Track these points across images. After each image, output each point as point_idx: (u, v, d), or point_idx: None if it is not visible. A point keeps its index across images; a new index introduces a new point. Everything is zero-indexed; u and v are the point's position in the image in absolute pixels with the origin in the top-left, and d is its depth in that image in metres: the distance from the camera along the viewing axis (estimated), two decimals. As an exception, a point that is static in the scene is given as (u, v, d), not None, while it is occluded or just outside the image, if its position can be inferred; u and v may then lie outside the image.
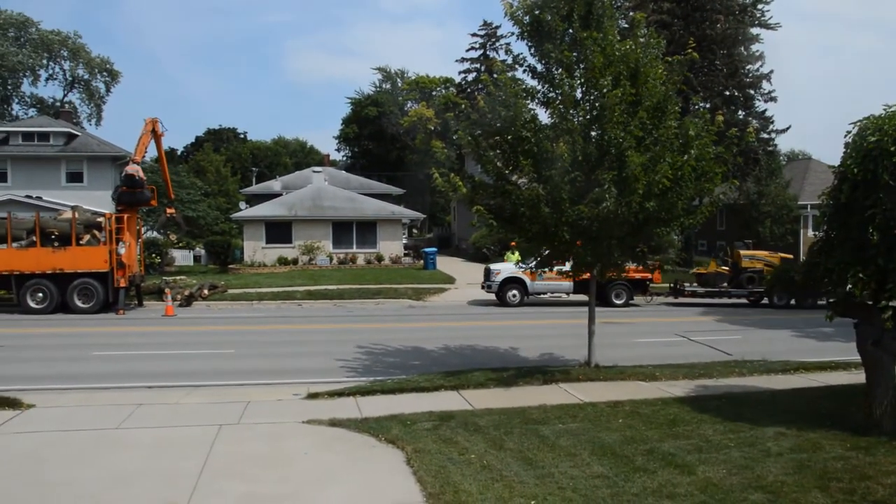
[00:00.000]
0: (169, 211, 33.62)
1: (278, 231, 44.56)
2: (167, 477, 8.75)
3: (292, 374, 15.48)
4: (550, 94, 14.07)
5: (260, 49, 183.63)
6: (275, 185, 58.69)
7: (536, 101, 14.21)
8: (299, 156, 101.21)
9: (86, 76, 70.87)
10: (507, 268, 30.06)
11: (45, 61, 68.57)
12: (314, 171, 54.42)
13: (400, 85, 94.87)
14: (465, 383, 13.59)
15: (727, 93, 42.23)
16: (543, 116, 14.29)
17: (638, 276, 29.34)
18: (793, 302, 29.09)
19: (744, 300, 30.62)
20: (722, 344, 19.08)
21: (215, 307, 28.96)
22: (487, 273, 30.33)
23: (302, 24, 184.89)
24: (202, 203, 46.36)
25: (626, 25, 14.86)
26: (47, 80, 71.36)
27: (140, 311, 27.53)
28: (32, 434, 10.62)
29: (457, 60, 79.95)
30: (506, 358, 17.45)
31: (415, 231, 75.06)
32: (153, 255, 40.20)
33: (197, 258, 49.52)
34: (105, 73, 71.07)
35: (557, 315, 26.29)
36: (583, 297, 29.48)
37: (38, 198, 38.27)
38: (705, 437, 10.11)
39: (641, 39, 14.16)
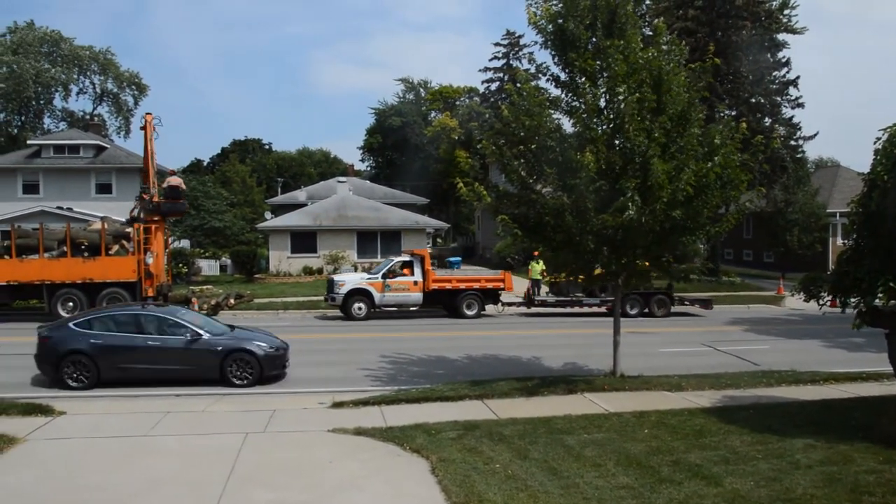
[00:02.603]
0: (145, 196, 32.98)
1: (303, 241, 44.74)
2: (195, 484, 8.84)
3: (317, 382, 15.54)
4: (574, 103, 14.07)
5: (284, 61, 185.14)
6: (300, 195, 59.00)
7: (560, 109, 14.22)
8: (324, 166, 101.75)
9: (115, 90, 71.84)
10: (351, 279, 28.49)
11: (76, 76, 69.64)
12: (339, 182, 54.65)
13: (423, 95, 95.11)
14: (490, 393, 13.57)
15: (753, 100, 41.80)
16: (567, 125, 14.31)
17: (490, 285, 29.11)
18: (646, 310, 28.28)
19: (600, 309, 28.97)
20: (749, 354, 18.89)
21: (241, 316, 29.07)
22: (331, 285, 28.28)
23: (325, 35, 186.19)
24: (228, 213, 46.73)
25: (650, 33, 14.77)
26: (78, 94, 72.49)
27: (167, 321, 27.73)
28: (64, 440, 10.79)
29: (480, 70, 79.99)
30: (529, 367, 17.40)
31: (439, 240, 75.08)
32: (180, 264, 40.56)
33: (223, 268, 49.90)
34: (133, 87, 71.99)
35: (578, 325, 26.13)
36: (435, 309, 29.20)
37: (69, 209, 38.73)
38: (732, 448, 10.02)
39: (664, 47, 14.13)
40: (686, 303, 29.38)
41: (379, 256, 42.14)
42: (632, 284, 16.04)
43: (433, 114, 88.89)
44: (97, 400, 13.93)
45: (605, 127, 13.74)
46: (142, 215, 29.57)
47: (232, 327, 17.01)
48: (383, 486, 8.86)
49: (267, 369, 15.43)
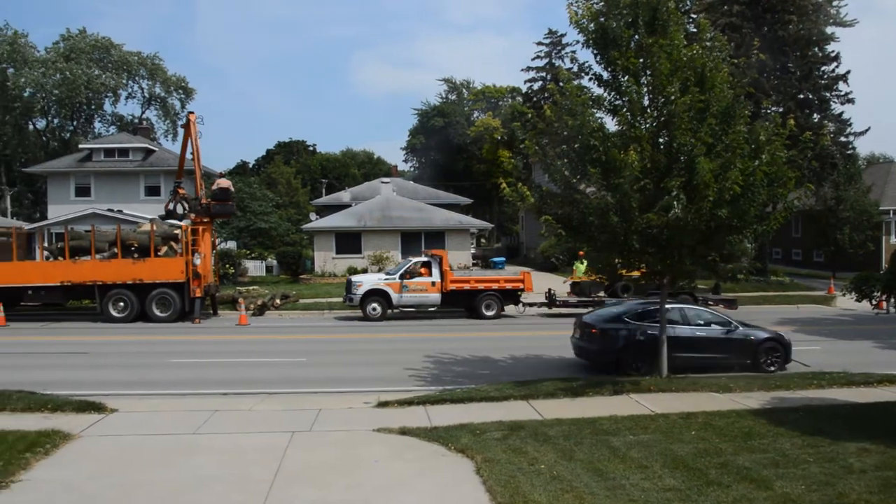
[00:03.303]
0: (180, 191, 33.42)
1: (348, 241, 45.09)
2: (242, 481, 8.97)
3: (362, 382, 15.65)
4: (617, 102, 13.98)
5: (327, 63, 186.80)
6: (344, 196, 59.43)
7: (603, 108, 14.13)
8: (367, 167, 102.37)
9: (162, 94, 73.22)
10: (369, 280, 28.67)
11: (125, 81, 71.13)
12: (382, 182, 54.93)
13: (466, 95, 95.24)
14: (535, 393, 13.54)
15: (801, 95, 41.03)
16: (611, 124, 14.22)
17: (509, 286, 28.80)
18: None
19: None
20: (799, 355, 18.52)
21: (287, 316, 29.47)
22: (349, 285, 28.40)
23: (367, 37, 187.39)
24: (273, 214, 47.25)
25: (694, 29, 14.62)
26: (127, 98, 73.99)
27: (215, 321, 28.23)
28: (116, 437, 11.04)
29: (522, 69, 79.67)
30: (574, 367, 17.31)
31: (483, 241, 75.03)
32: (227, 265, 41.11)
33: (269, 269, 50.44)
34: (180, 91, 73.29)
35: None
36: (454, 310, 29.16)
37: (119, 211, 39.56)
38: (782, 451, 9.86)
39: (707, 43, 13.94)
40: (710, 303, 28.88)
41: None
42: (677, 285, 15.86)
43: (476, 114, 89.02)
44: (147, 398, 14.22)
45: (648, 125, 13.63)
46: (178, 209, 30.09)
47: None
48: (428, 486, 8.90)
49: (789, 355, 17.19)
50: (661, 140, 13.59)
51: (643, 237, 13.47)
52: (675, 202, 12.63)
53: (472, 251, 51.54)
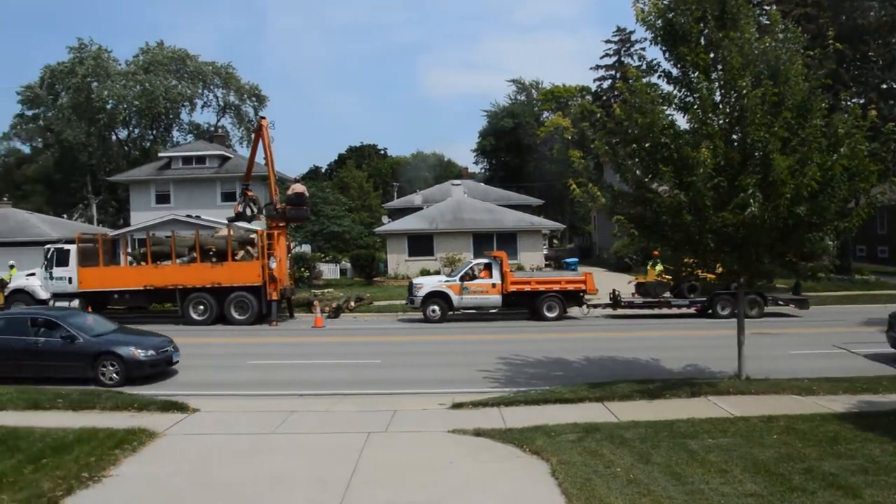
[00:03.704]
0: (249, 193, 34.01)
1: (420, 244, 45.36)
2: (319, 481, 9.15)
3: (437, 384, 15.75)
4: (688, 99, 13.74)
5: (397, 67, 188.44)
6: (415, 198, 59.82)
7: (674, 106, 13.89)
8: (438, 169, 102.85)
9: (236, 102, 75.09)
10: (430, 282, 28.78)
11: (200, 90, 73.21)
12: (453, 184, 55.11)
13: (535, 95, 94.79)
14: (610, 395, 13.41)
15: (884, 85, 39.54)
16: (682, 122, 13.98)
17: (570, 287, 28.11)
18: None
19: (689, 310, 28.00)
20: (889, 357, 17.89)
21: (361, 318, 29.82)
22: (411, 288, 28.60)
23: (435, 40, 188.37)
24: (346, 218, 47.87)
25: (767, 21, 14.22)
26: (203, 107, 76.19)
27: (291, 323, 28.75)
28: (198, 436, 11.43)
29: (591, 68, 79.03)
30: (649, 369, 17.08)
31: (555, 241, 74.59)
32: (302, 268, 41.83)
33: (343, 271, 51.12)
34: (254, 98, 74.98)
35: (694, 326, 25.41)
36: (515, 311, 28.72)
37: (197, 217, 40.59)
38: (871, 457, 9.52)
39: (780, 35, 13.57)
40: (780, 302, 27.99)
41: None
42: (755, 285, 15.47)
43: (545, 114, 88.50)
44: (227, 398, 14.60)
45: (721, 122, 13.36)
46: (246, 211, 30.76)
47: None
48: (503, 487, 8.92)
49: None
50: (734, 136, 13.31)
51: (718, 236, 13.21)
52: (750, 200, 12.35)
53: (545, 252, 51.27)
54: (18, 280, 29.91)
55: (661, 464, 9.35)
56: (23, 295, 29.01)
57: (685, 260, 14.99)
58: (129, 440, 10.79)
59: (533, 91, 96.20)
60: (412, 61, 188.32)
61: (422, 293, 27.72)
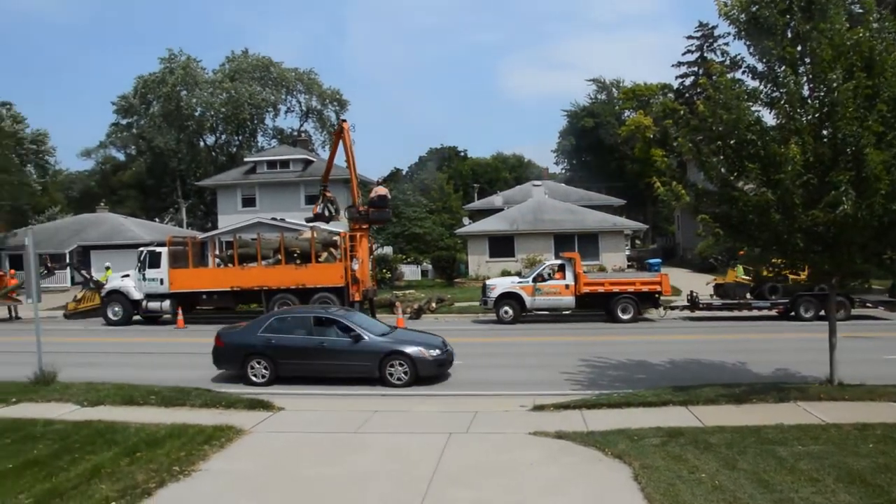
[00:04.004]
0: (327, 194, 34.24)
1: (501, 245, 45.34)
2: (400, 480, 9.26)
3: (518, 385, 15.72)
4: (774, 94, 13.32)
5: (476, 68, 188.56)
6: (496, 199, 59.82)
7: (759, 101, 13.48)
8: (518, 170, 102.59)
9: (318, 107, 76.62)
10: (503, 283, 28.73)
11: (283, 96, 74.96)
12: (534, 185, 54.90)
13: (616, 94, 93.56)
14: (694, 399, 13.12)
15: None
16: (768, 118, 13.58)
17: (645, 288, 27.39)
18: (821, 312, 24.84)
19: (770, 312, 26.90)
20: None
21: (442, 319, 29.96)
22: (484, 289, 28.70)
23: (513, 41, 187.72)
24: (427, 220, 48.19)
25: (860, 10, 13.63)
26: (286, 112, 78.00)
27: (373, 324, 29.04)
28: (284, 434, 11.71)
29: (673, 65, 77.40)
30: (735, 373, 16.63)
31: (637, 242, 73.46)
32: (384, 270, 42.33)
33: (424, 273, 51.49)
34: (335, 103, 76.37)
35: (778, 329, 24.60)
36: (588, 313, 28.17)
37: (282, 219, 41.53)
38: (978, 468, 9.04)
39: (874, 25, 13.01)
40: (869, 304, 26.75)
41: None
42: (847, 286, 14.90)
43: (626, 113, 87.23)
44: (311, 398, 14.86)
45: (810, 117, 12.90)
46: (325, 212, 31.29)
47: None
48: (585, 490, 8.84)
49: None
50: (824, 132, 12.84)
51: (808, 235, 12.77)
52: (843, 197, 11.89)
53: (627, 253, 50.55)
54: (114, 281, 31.14)
55: (747, 470, 9.10)
56: (118, 295, 30.20)
57: (773, 260, 14.57)
58: (217, 437, 11.14)
59: (613, 90, 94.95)
60: (492, 62, 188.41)
61: (495, 294, 27.77)
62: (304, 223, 34.74)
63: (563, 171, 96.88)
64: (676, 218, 65.92)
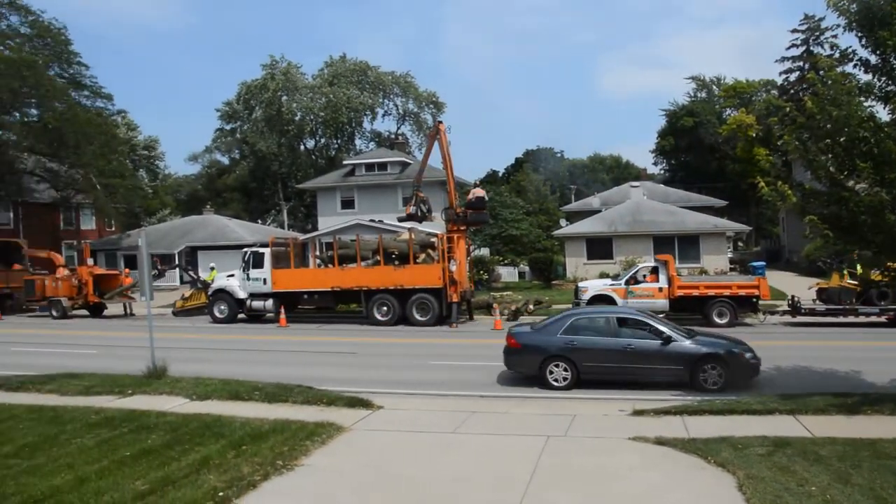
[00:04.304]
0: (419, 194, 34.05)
1: (599, 247, 44.81)
2: (498, 481, 9.26)
3: (615, 389, 15.46)
4: (889, 88, 12.70)
5: (573, 69, 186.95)
6: (593, 201, 59.17)
7: (873, 96, 12.88)
8: (616, 171, 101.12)
9: (415, 110, 77.48)
10: (594, 285, 28.36)
11: (381, 99, 76.13)
12: (632, 186, 54.11)
13: (716, 92, 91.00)
14: (803, 408, 12.62)
15: None
16: (882, 113, 12.95)
17: (742, 292, 26.22)
18: None
19: (878, 319, 25.22)
20: None
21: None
22: (576, 291, 28.61)
23: (610, 40, 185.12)
24: (524, 222, 48.02)
25: None
26: (383, 115, 79.20)
27: (471, 325, 29.21)
28: (382, 432, 11.89)
29: (777, 60, 74.43)
30: (848, 381, 15.90)
31: (740, 244, 71.34)
32: (481, 271, 42.43)
33: (521, 275, 51.35)
34: (431, 105, 77.01)
35: (891, 336, 23.42)
36: (683, 317, 26.86)
37: (380, 221, 42.12)
38: None
39: None
40: None
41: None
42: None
43: (727, 111, 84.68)
44: (410, 397, 15.00)
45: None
46: (417, 212, 31.56)
47: None
48: (686, 498, 8.65)
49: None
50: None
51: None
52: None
53: (729, 255, 49.13)
54: (220, 280, 32.28)
55: (862, 486, 8.70)
56: (224, 294, 31.30)
57: (889, 264, 13.89)
58: (318, 433, 11.40)
59: (714, 87, 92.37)
60: (588, 62, 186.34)
61: (587, 297, 27.59)
62: (402, 225, 35.17)
63: (662, 172, 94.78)
64: (781, 219, 63.70)
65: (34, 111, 50.32)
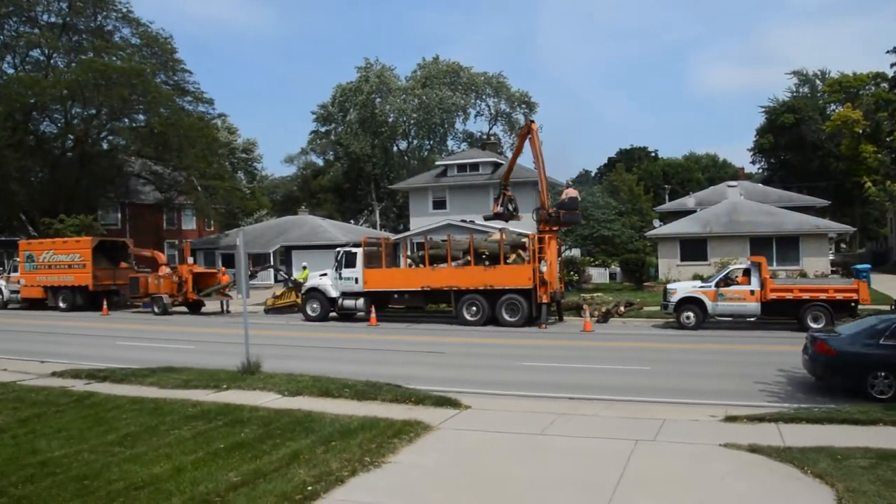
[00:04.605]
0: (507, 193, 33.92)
1: (693, 248, 43.81)
2: (585, 485, 9.16)
3: (708, 394, 15.11)
4: None
5: (668, 66, 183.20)
6: (688, 201, 57.92)
7: None
8: (712, 171, 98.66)
9: (507, 110, 77.49)
10: (683, 287, 27.72)
11: (473, 100, 76.38)
12: (728, 186, 52.66)
13: (820, 87, 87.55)
14: (910, 418, 12.01)
15: None
16: None
17: (839, 296, 24.85)
18: None
19: None
20: None
21: (631, 324, 29.39)
22: (665, 293, 27.91)
23: (707, 37, 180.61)
24: (616, 222, 47.38)
25: None
26: (475, 116, 79.47)
27: (560, 326, 29.01)
28: (469, 432, 11.91)
29: (888, 51, 71.11)
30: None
31: (843, 246, 68.54)
32: (571, 272, 42.08)
33: (612, 276, 50.70)
34: (524, 105, 76.84)
35: None
36: (775, 321, 26.34)
37: (471, 221, 42.24)
38: None
39: None
40: None
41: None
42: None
43: (831, 107, 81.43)
44: (497, 398, 15.00)
45: None
46: (505, 212, 31.53)
47: None
48: (781, 509, 8.37)
49: None
50: None
51: None
52: None
53: (830, 257, 47.25)
54: (313, 279, 33.02)
55: (977, 503, 8.23)
56: (316, 293, 31.99)
57: None
58: (406, 431, 11.50)
59: (817, 82, 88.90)
60: (684, 60, 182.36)
61: (675, 298, 27.02)
62: (493, 226, 35.22)
63: (761, 171, 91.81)
64: (889, 220, 60.86)
65: (141, 117, 52.75)
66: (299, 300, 34.02)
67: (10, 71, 51.78)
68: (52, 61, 52.25)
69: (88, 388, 15.76)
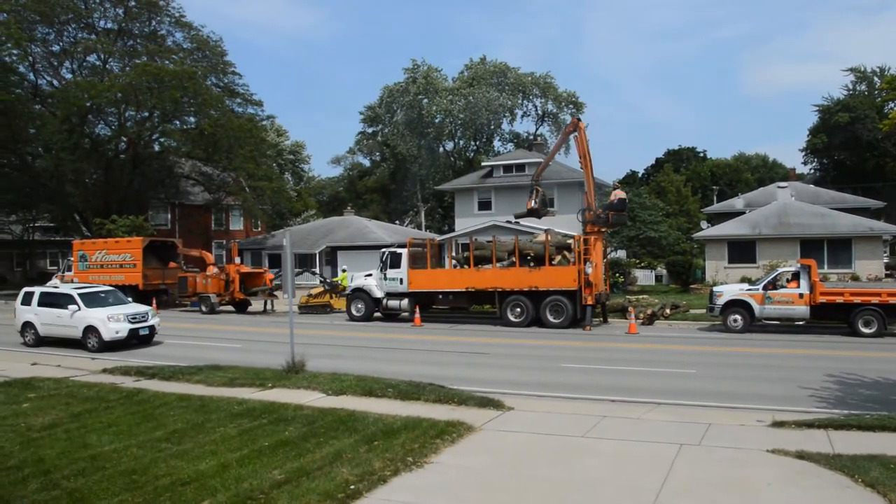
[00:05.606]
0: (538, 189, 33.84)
1: (741, 250, 43.11)
2: (628, 488, 9.09)
3: (754, 398, 14.88)
4: None
5: (718, 65, 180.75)
6: (736, 202, 57.01)
7: None
8: (761, 171, 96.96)
9: (554, 110, 77.06)
10: (730, 290, 27.28)
11: (520, 101, 76.18)
12: (779, 187, 51.66)
13: (878, 84, 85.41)
14: (966, 426, 11.68)
15: None
16: None
17: (892, 300, 23.95)
18: None
19: None
20: None
21: (676, 326, 29.05)
22: (711, 295, 27.50)
23: (757, 34, 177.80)
24: (663, 224, 46.89)
25: None
26: (522, 116, 79.29)
27: (605, 328, 28.81)
28: (512, 433, 11.91)
29: (952, 49, 69.37)
30: None
31: (899, 249, 66.76)
32: (617, 274, 41.77)
33: (658, 278, 50.19)
34: (571, 106, 76.35)
35: None
36: (823, 325, 25.80)
37: (516, 222, 42.24)
38: None
39: None
40: None
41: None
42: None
43: (889, 105, 79.43)
44: (540, 399, 14.98)
45: None
46: (538, 206, 31.48)
47: None
48: (829, 516, 8.21)
49: None
50: None
51: None
52: None
53: (885, 261, 46.12)
54: (358, 280, 33.28)
55: None
56: (361, 293, 32.24)
57: None
58: (448, 431, 11.55)
59: (875, 79, 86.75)
60: (734, 59, 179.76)
61: (721, 301, 26.69)
62: (539, 227, 35.10)
63: (812, 172, 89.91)
64: (949, 222, 59.19)
65: (192, 119, 53.78)
66: (333, 302, 34.31)
67: (69, 76, 53.15)
68: (107, 66, 53.53)
69: (137, 384, 16.16)
